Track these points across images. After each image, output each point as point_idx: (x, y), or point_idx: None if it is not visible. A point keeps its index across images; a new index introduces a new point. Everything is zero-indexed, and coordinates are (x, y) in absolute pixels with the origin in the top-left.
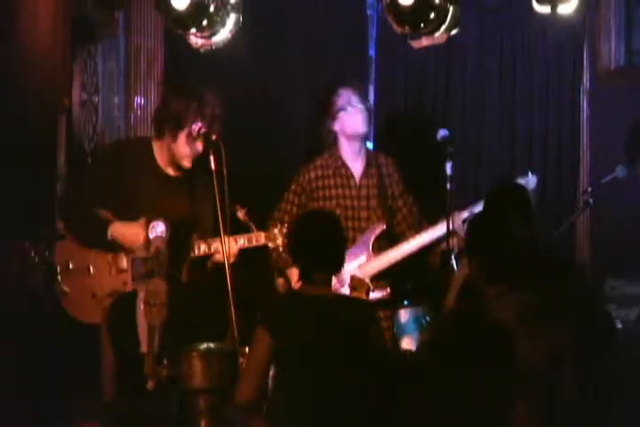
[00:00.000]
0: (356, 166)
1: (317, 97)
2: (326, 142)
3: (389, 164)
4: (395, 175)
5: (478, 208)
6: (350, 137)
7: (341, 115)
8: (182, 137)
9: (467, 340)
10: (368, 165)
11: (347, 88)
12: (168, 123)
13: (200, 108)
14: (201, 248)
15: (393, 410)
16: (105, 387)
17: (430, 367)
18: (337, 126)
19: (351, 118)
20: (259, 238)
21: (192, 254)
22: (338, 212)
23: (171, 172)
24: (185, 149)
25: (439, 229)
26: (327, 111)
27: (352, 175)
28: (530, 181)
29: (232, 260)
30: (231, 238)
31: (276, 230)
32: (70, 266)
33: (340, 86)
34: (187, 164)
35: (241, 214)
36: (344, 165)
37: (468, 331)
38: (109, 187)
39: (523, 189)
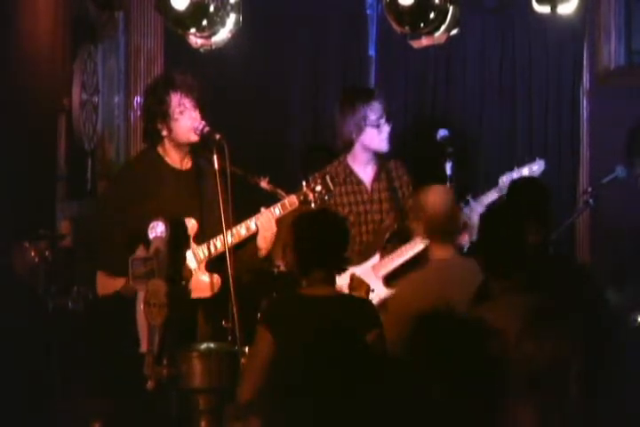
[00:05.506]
0: (367, 171)
1: (323, 98)
2: (343, 142)
3: (398, 166)
4: (404, 177)
5: (489, 198)
6: (370, 149)
7: (369, 130)
8: (175, 115)
9: (441, 340)
10: (379, 168)
11: (379, 102)
12: (156, 115)
13: (171, 84)
14: (241, 231)
15: (391, 410)
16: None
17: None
18: (361, 138)
19: (380, 136)
20: (292, 202)
21: (216, 250)
22: (351, 218)
23: (184, 166)
24: (185, 123)
25: None
26: (353, 119)
27: (362, 181)
28: (538, 165)
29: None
30: (267, 211)
31: (304, 188)
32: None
33: (373, 99)
34: (195, 137)
35: (264, 184)
36: (353, 172)
37: (442, 331)
38: (132, 203)
39: (542, 184)
